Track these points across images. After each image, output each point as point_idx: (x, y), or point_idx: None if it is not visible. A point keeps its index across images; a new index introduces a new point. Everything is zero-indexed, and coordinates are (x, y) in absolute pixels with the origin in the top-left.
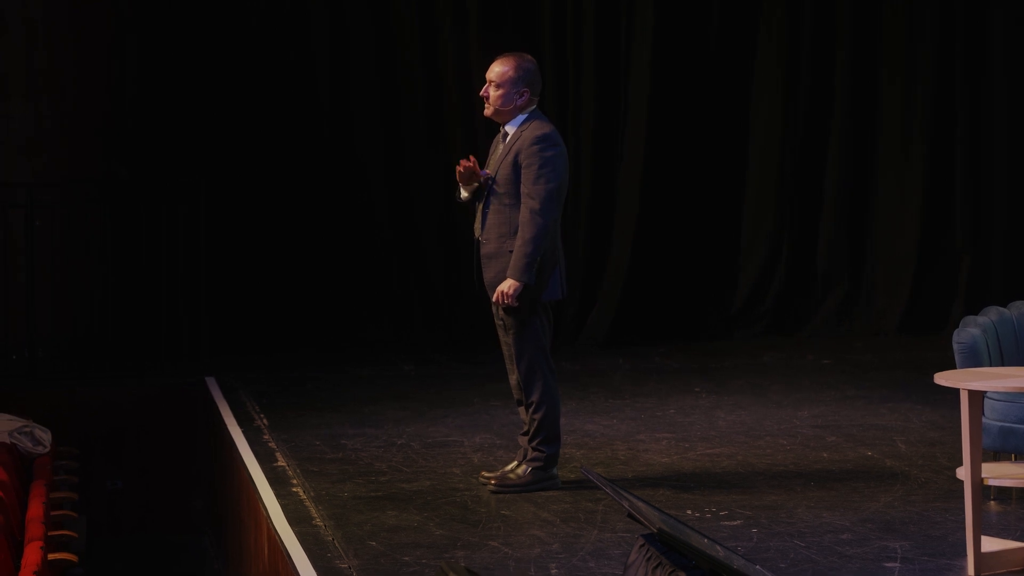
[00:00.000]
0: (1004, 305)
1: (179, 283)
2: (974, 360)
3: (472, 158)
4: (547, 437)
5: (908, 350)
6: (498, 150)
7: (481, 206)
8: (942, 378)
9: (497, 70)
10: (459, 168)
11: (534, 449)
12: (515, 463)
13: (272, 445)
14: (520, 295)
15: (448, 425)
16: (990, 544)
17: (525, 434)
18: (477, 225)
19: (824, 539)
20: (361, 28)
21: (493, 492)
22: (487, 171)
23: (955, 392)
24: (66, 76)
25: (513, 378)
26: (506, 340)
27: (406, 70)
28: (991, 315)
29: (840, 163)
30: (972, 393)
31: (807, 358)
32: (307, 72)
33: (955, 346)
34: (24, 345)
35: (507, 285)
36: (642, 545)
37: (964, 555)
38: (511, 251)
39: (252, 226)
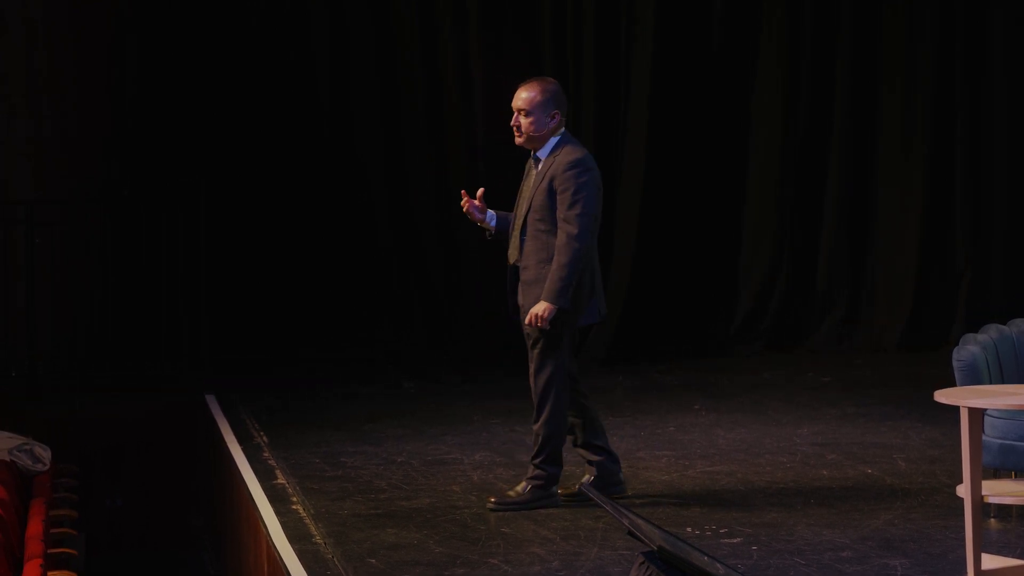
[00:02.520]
0: (1004, 323)
1: (179, 288)
2: (974, 378)
3: (464, 194)
4: (550, 456)
5: (908, 367)
6: (531, 177)
7: (517, 233)
8: (942, 396)
9: (524, 96)
10: (465, 206)
11: (536, 467)
12: (520, 483)
13: (272, 462)
14: (554, 319)
15: (448, 443)
16: (990, 562)
17: (579, 445)
18: (513, 251)
19: (824, 557)
20: (361, 28)
21: (492, 510)
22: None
23: (955, 410)
24: (66, 76)
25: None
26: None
27: (406, 70)
28: (991, 333)
29: (840, 180)
30: (972, 411)
31: (807, 375)
32: (307, 72)
33: (955, 364)
34: (24, 362)
35: (541, 308)
36: (642, 563)
37: (964, 573)
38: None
39: (252, 227)
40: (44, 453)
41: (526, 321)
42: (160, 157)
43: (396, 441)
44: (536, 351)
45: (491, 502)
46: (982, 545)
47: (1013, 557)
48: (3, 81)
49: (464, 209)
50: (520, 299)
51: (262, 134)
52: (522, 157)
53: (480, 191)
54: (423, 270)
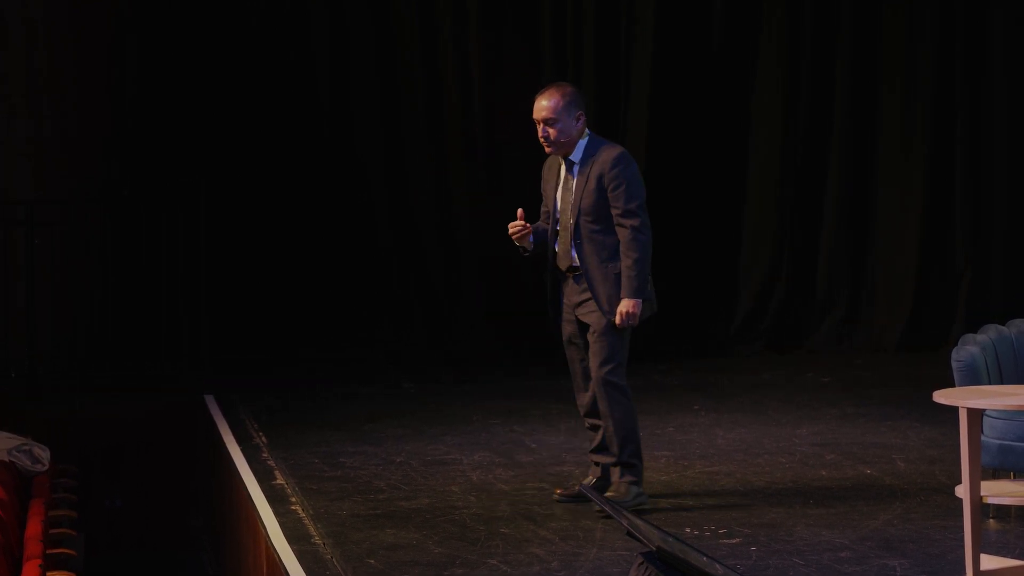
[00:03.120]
0: (1003, 323)
1: (179, 288)
2: (973, 378)
3: (520, 212)
4: (636, 449)
5: (908, 368)
6: (564, 181)
7: (567, 239)
8: (941, 396)
9: (546, 105)
10: (513, 229)
11: (627, 464)
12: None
13: (271, 463)
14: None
15: (447, 443)
16: (989, 562)
17: (597, 450)
18: (564, 258)
19: (823, 557)
20: (361, 28)
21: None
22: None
23: (954, 410)
24: (66, 76)
25: (587, 396)
26: (582, 357)
27: (406, 70)
28: (990, 333)
29: (840, 180)
30: (971, 411)
31: (807, 375)
32: (307, 72)
33: (954, 364)
34: (24, 362)
35: (627, 305)
36: (641, 563)
37: (963, 573)
38: (617, 272)
39: (252, 227)
40: (43, 453)
41: (617, 323)
42: (160, 157)
43: (395, 441)
44: (604, 344)
45: (560, 494)
46: (981, 545)
47: (1012, 557)
48: (3, 81)
49: (516, 232)
50: (574, 298)
51: (262, 134)
52: (522, 157)
53: (520, 212)
54: (423, 270)
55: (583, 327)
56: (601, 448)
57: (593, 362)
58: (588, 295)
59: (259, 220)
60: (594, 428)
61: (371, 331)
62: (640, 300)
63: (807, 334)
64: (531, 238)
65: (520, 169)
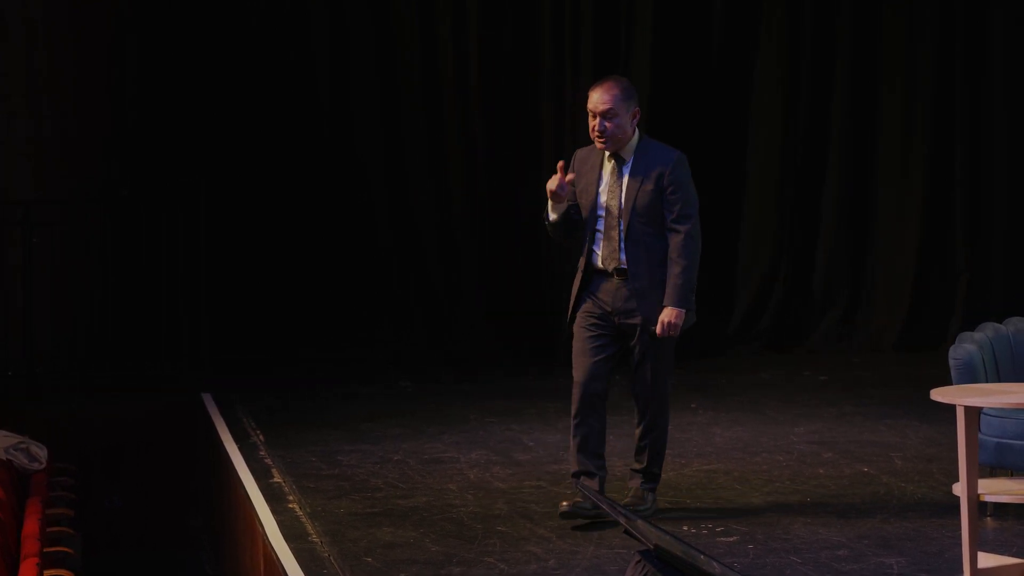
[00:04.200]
0: (1001, 322)
1: (178, 288)
2: (970, 376)
3: (561, 164)
4: (662, 462)
5: (905, 366)
6: (611, 179)
7: (615, 238)
8: (938, 394)
9: (605, 97)
10: (557, 183)
11: (650, 473)
12: (632, 498)
13: (268, 461)
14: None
15: (444, 442)
16: (986, 560)
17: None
18: (610, 258)
19: (820, 555)
20: (361, 28)
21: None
22: (571, 175)
23: (951, 408)
24: (66, 76)
25: (600, 383)
26: (599, 356)
27: (406, 70)
28: (987, 331)
29: (839, 180)
30: (968, 409)
31: (805, 375)
32: (307, 72)
33: (951, 362)
34: (23, 362)
35: (675, 315)
36: (638, 562)
37: (960, 571)
38: (663, 279)
39: (252, 227)
40: (40, 452)
41: (659, 333)
42: (160, 157)
43: (393, 440)
44: (656, 360)
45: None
46: (978, 543)
47: (1009, 555)
48: (3, 81)
49: (555, 186)
50: (619, 303)
51: (262, 134)
52: (521, 156)
53: (560, 163)
54: (423, 270)
55: (624, 331)
56: (597, 450)
57: (648, 370)
58: (634, 304)
59: (259, 220)
60: (587, 426)
61: (371, 331)
62: (684, 311)
63: (806, 333)
64: (568, 200)
65: (520, 170)
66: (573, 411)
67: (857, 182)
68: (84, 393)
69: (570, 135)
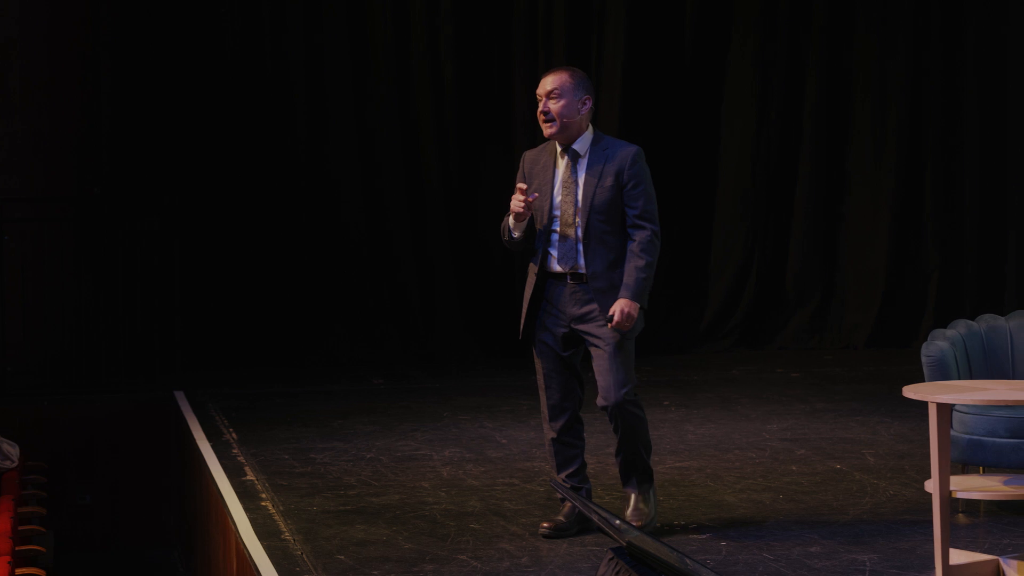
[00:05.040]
0: (973, 318)
1: (151, 285)
2: (942, 373)
3: (523, 186)
4: (650, 471)
5: (877, 363)
6: (565, 175)
7: (572, 238)
8: (911, 391)
9: (553, 79)
10: (520, 205)
11: (645, 475)
12: (633, 506)
13: (241, 459)
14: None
15: (417, 439)
16: (958, 557)
17: (577, 473)
18: (566, 259)
19: (793, 552)
20: (336, 41)
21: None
22: (535, 195)
23: (924, 405)
24: (41, 93)
25: (565, 418)
26: (563, 378)
27: (380, 85)
28: (959, 328)
29: (811, 179)
30: (940, 406)
31: (777, 372)
32: (282, 88)
33: (923, 359)
34: None
35: (629, 306)
36: (611, 559)
37: (933, 568)
38: (620, 282)
39: (225, 240)
40: (12, 450)
41: (615, 322)
42: (134, 172)
43: (366, 437)
44: (618, 363)
45: (544, 527)
46: (950, 540)
47: (981, 552)
48: None
49: (521, 207)
50: (574, 309)
51: (236, 148)
52: (493, 159)
53: (522, 185)
54: (396, 282)
55: (576, 339)
56: (579, 472)
57: (605, 381)
58: (593, 307)
59: (232, 234)
60: (571, 447)
61: (344, 346)
62: (639, 305)
63: (778, 331)
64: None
65: (493, 170)
66: (547, 438)
67: (829, 181)
68: (56, 391)
69: (543, 138)
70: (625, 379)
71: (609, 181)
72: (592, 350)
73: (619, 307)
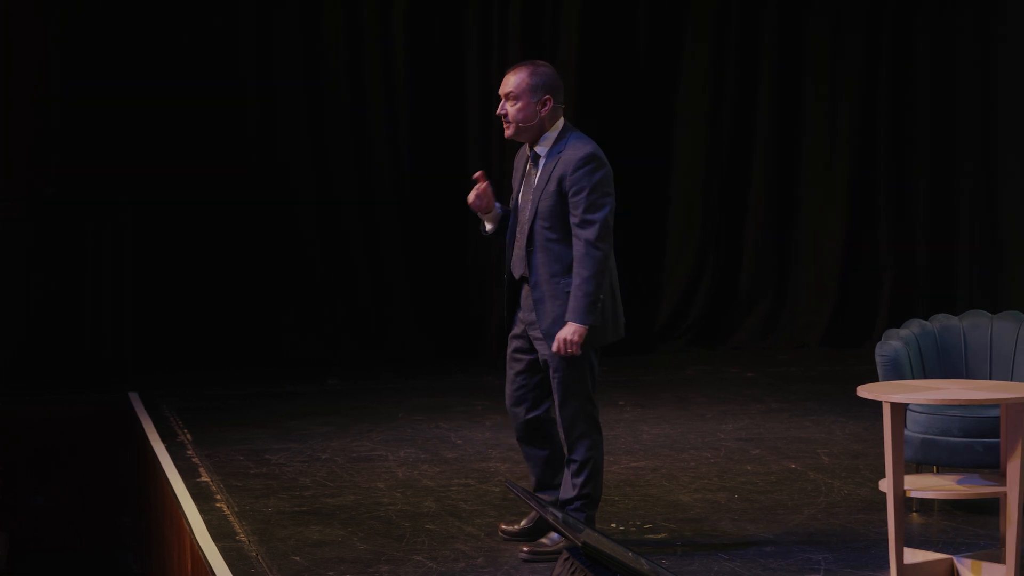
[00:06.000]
0: (926, 318)
1: (104, 287)
2: (896, 373)
3: (482, 173)
4: (592, 499)
5: (832, 363)
6: (529, 175)
7: (522, 244)
8: (865, 390)
9: (512, 80)
10: (474, 195)
11: (576, 511)
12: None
13: (195, 460)
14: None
15: (373, 440)
16: (912, 556)
17: (539, 488)
18: (519, 265)
19: (748, 552)
20: (288, 40)
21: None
22: (484, 184)
23: (878, 404)
24: None
25: (520, 423)
26: (519, 380)
27: (333, 88)
28: (913, 328)
29: (764, 179)
30: (894, 405)
31: (731, 371)
32: (234, 87)
33: (877, 359)
34: None
35: (571, 331)
36: (566, 559)
37: (887, 567)
38: (567, 291)
39: (178, 243)
40: None
41: (553, 349)
42: (87, 173)
43: (321, 438)
44: (560, 377)
45: (523, 551)
46: (905, 539)
47: (935, 551)
48: None
49: (472, 198)
50: (528, 315)
51: (188, 150)
52: (446, 159)
53: (480, 172)
54: (352, 285)
55: (532, 347)
56: (541, 478)
57: (556, 391)
58: (535, 314)
59: (185, 238)
60: (531, 458)
61: (300, 349)
62: (584, 326)
63: (732, 330)
64: (498, 209)
65: (444, 172)
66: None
67: (782, 181)
68: (9, 393)
69: (496, 138)
70: (564, 398)
71: (553, 187)
72: (543, 361)
73: (560, 334)
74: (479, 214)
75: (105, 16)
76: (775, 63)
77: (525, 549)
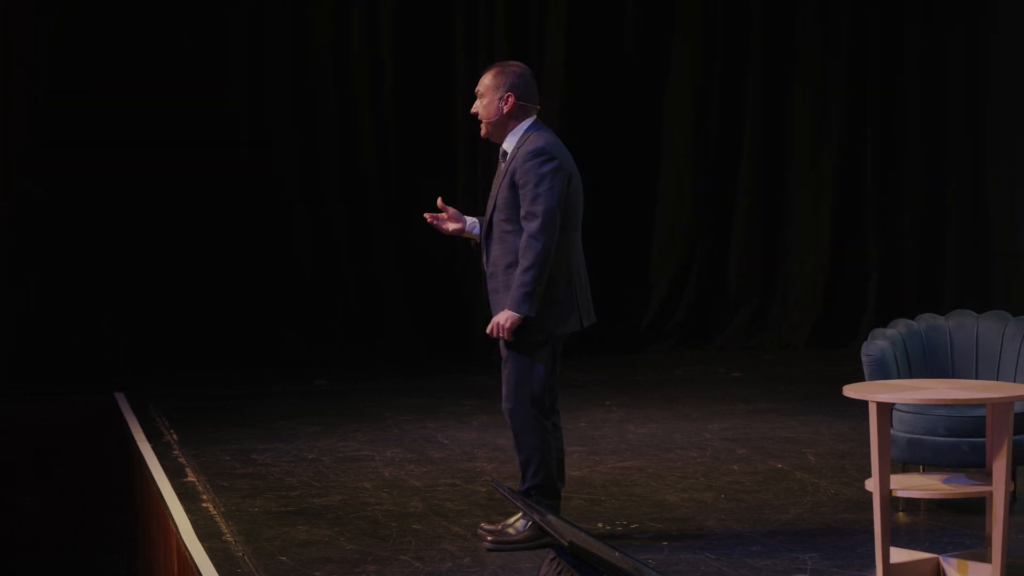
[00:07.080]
0: (913, 318)
1: (94, 288)
2: (883, 372)
3: (440, 202)
4: (544, 488)
5: (818, 363)
6: (498, 171)
7: (484, 237)
8: (851, 390)
9: (482, 79)
10: (438, 226)
11: (535, 502)
12: (516, 515)
13: (182, 460)
14: (520, 329)
15: (359, 440)
16: (899, 555)
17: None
18: (484, 258)
19: (734, 551)
20: (278, 42)
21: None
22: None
23: (864, 404)
24: None
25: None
26: (503, 374)
27: (322, 90)
28: (899, 328)
29: (752, 179)
30: (881, 405)
31: (718, 371)
32: (223, 87)
33: (864, 358)
34: None
35: (504, 317)
36: (552, 559)
37: (873, 566)
38: None
39: (170, 244)
40: None
41: (487, 330)
42: (77, 172)
43: (307, 438)
44: (507, 371)
45: (482, 529)
46: (891, 538)
47: (921, 550)
48: None
49: (433, 221)
50: (493, 310)
51: (179, 149)
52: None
53: (439, 200)
54: (343, 285)
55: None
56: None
57: (504, 377)
58: (491, 305)
59: (177, 237)
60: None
61: (290, 349)
62: (519, 316)
63: (719, 330)
64: (476, 229)
65: (433, 175)
66: None
67: (769, 181)
68: (1, 393)
69: (483, 140)
70: (511, 391)
71: (508, 179)
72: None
73: (495, 319)
74: (462, 236)
75: (96, 18)
76: (763, 63)
77: (489, 539)
